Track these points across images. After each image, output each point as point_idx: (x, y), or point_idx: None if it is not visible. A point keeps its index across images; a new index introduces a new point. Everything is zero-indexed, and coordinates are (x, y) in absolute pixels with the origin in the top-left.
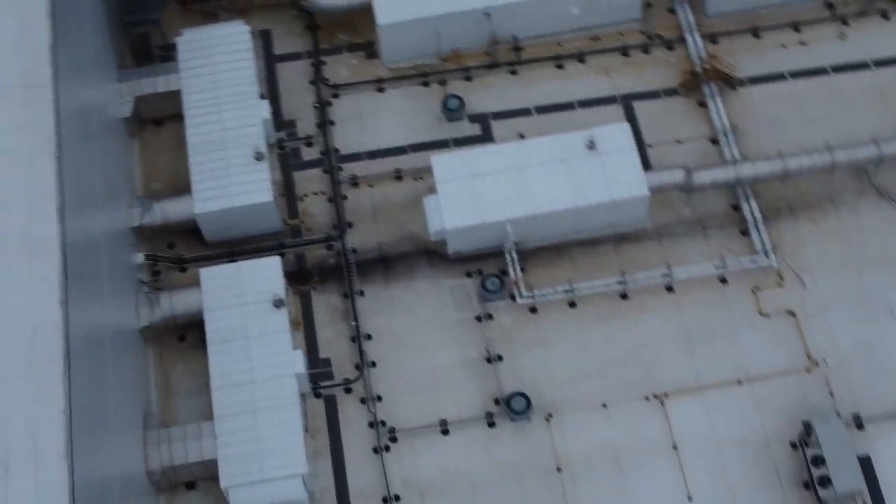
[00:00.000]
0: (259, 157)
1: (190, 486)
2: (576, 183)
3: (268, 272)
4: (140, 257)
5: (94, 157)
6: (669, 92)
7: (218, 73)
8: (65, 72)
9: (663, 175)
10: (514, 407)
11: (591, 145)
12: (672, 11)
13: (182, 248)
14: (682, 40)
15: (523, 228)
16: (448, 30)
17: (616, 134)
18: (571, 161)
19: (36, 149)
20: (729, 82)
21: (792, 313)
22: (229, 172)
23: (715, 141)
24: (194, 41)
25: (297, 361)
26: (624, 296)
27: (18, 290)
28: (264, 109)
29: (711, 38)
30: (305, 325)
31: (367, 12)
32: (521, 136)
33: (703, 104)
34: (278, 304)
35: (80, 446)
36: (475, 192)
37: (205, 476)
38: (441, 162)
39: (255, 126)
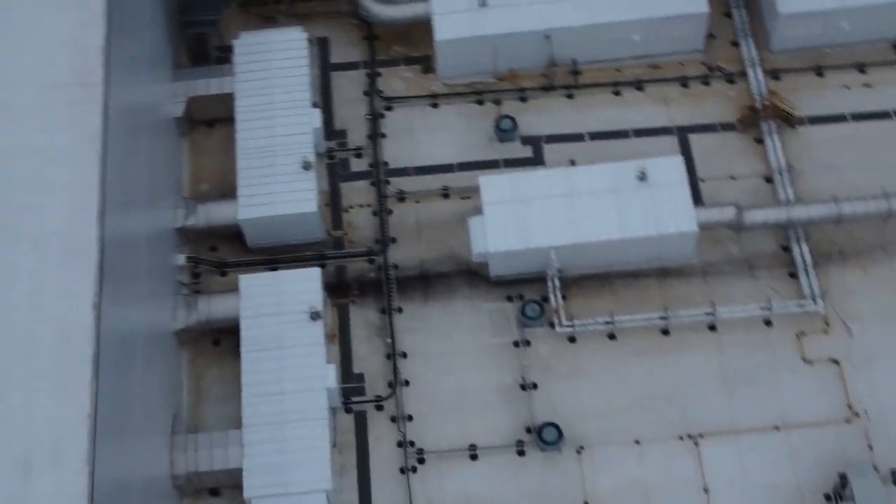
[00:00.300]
0: (307, 166)
1: (214, 492)
2: (624, 214)
3: (307, 283)
4: (181, 259)
5: (141, 156)
6: (727, 126)
7: (272, 78)
8: (116, 71)
9: (713, 212)
10: (545, 437)
11: (643, 177)
12: (735, 44)
13: (224, 252)
14: (744, 74)
15: (568, 256)
16: (506, 49)
17: (669, 167)
18: (621, 191)
19: (81, 148)
20: (788, 121)
21: (836, 361)
22: (276, 180)
23: (769, 179)
24: (251, 45)
25: (330, 376)
26: (665, 331)
27: (53, 290)
28: (316, 118)
29: (774, 75)
30: (341, 339)
31: (425, 26)
32: (573, 162)
33: (760, 141)
34: (315, 316)
35: (103, 450)
36: (521, 216)
37: (229, 484)
38: (489, 183)
39: (306, 135)
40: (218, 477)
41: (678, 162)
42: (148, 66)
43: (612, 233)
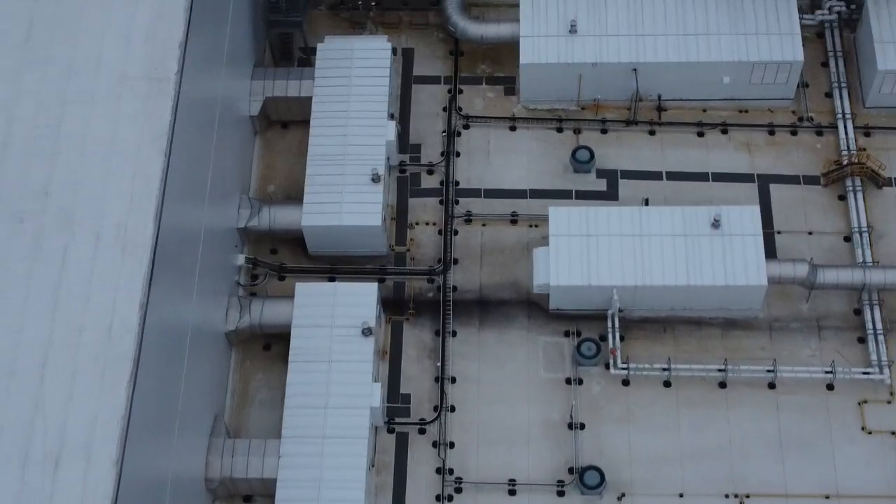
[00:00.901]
0: (376, 178)
1: (247, 499)
2: (693, 260)
3: (363, 298)
4: (241, 259)
5: (209, 152)
6: (810, 179)
7: (352, 86)
8: (193, 66)
9: (786, 267)
10: (586, 481)
11: (716, 224)
12: (828, 96)
13: (284, 256)
14: (834, 128)
15: (631, 297)
16: (592, 79)
17: (744, 216)
18: (693, 236)
19: (148, 143)
20: (875, 180)
21: None
22: (344, 189)
23: (848, 239)
24: (335, 50)
25: (375, 394)
26: (723, 384)
27: (104, 284)
28: (390, 131)
29: (865, 131)
30: (392, 357)
31: (513, 47)
32: (646, 201)
33: (843, 198)
34: (367, 332)
35: (134, 450)
36: (588, 252)
37: (263, 493)
38: (558, 214)
39: (378, 146)
40: (252, 484)
41: (754, 212)
42: (227, 62)
43: (679, 279)
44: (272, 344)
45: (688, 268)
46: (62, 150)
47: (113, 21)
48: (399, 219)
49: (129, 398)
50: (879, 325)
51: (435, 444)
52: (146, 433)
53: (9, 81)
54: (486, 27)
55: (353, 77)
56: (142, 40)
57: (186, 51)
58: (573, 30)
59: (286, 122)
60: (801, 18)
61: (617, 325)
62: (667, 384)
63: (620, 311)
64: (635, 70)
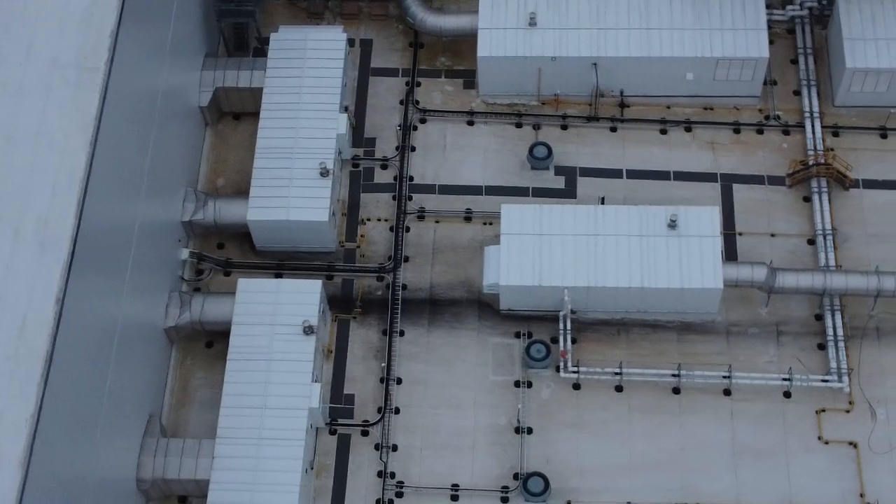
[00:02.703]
0: (324, 173)
1: (182, 500)
2: (648, 261)
3: (306, 295)
4: (185, 253)
5: (147, 144)
6: (775, 180)
7: (304, 77)
8: (128, 56)
9: (744, 270)
10: (530, 488)
11: (673, 224)
12: (797, 94)
13: (232, 251)
14: (801, 127)
15: (583, 299)
16: (552, 73)
17: (702, 217)
18: (649, 237)
19: (74, 135)
20: (842, 182)
21: (854, 444)
22: (291, 183)
23: (812, 242)
24: (288, 40)
25: (314, 395)
26: (676, 390)
27: (20, 281)
28: (342, 124)
29: (833, 131)
30: (337, 356)
31: (473, 41)
32: (602, 200)
33: (807, 199)
34: (309, 330)
35: (47, 450)
36: (540, 251)
37: (197, 494)
38: (511, 212)
39: (329, 140)
40: (186, 486)
41: (713, 213)
42: (171, 52)
43: (633, 280)
44: (215, 342)
45: (642, 269)
46: None
47: (48, 7)
48: (350, 214)
49: (39, 397)
50: (840, 332)
51: (377, 447)
52: (61, 433)
53: None
54: (445, 19)
55: (306, 68)
56: (75, 27)
57: (119, 40)
58: (532, 22)
59: (239, 113)
60: (770, 14)
61: (569, 327)
62: (619, 389)
63: (573, 312)
64: (595, 65)
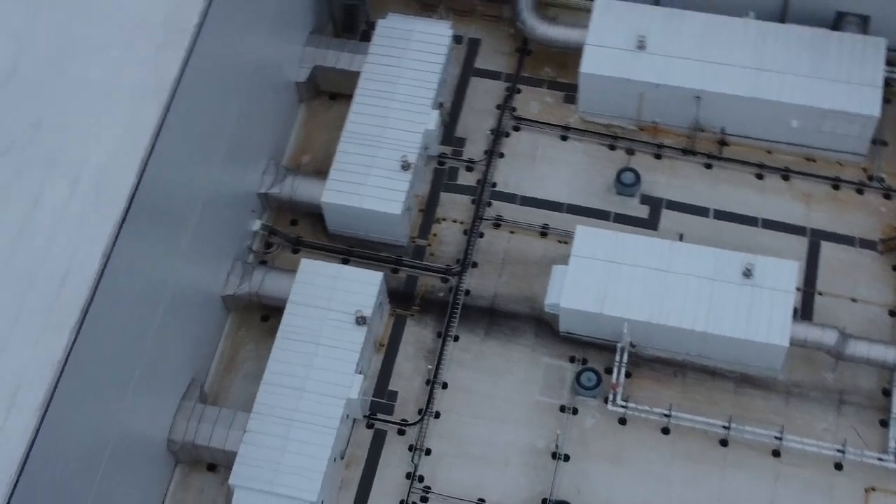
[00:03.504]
0: (405, 166)
1: (211, 467)
2: (715, 306)
3: (365, 286)
4: (257, 224)
5: (231, 111)
6: (866, 244)
7: (403, 67)
8: (221, 21)
9: (814, 331)
10: None
11: (748, 273)
12: None
13: (304, 230)
14: None
15: (643, 334)
16: (653, 100)
17: (780, 269)
18: (720, 282)
19: (149, 94)
20: None
21: None
22: (371, 172)
23: (894, 314)
24: (394, 28)
25: (355, 386)
26: (724, 442)
27: (71, 230)
28: (432, 120)
29: None
30: (388, 351)
31: (580, 55)
32: (681, 237)
33: (895, 268)
34: (361, 321)
35: (69, 399)
36: (607, 279)
37: (225, 464)
38: (585, 234)
39: (415, 134)
40: (214, 454)
41: (792, 267)
42: (272, 23)
43: (696, 323)
44: (270, 316)
45: (708, 313)
46: (62, 89)
47: None
48: (427, 211)
49: (69, 346)
50: None
51: (411, 448)
52: (89, 385)
53: (23, 14)
54: (555, 29)
55: (406, 59)
56: None
57: (213, 4)
58: (641, 45)
59: (335, 94)
60: (893, 72)
61: (625, 359)
62: (665, 431)
63: (633, 346)
64: (699, 98)
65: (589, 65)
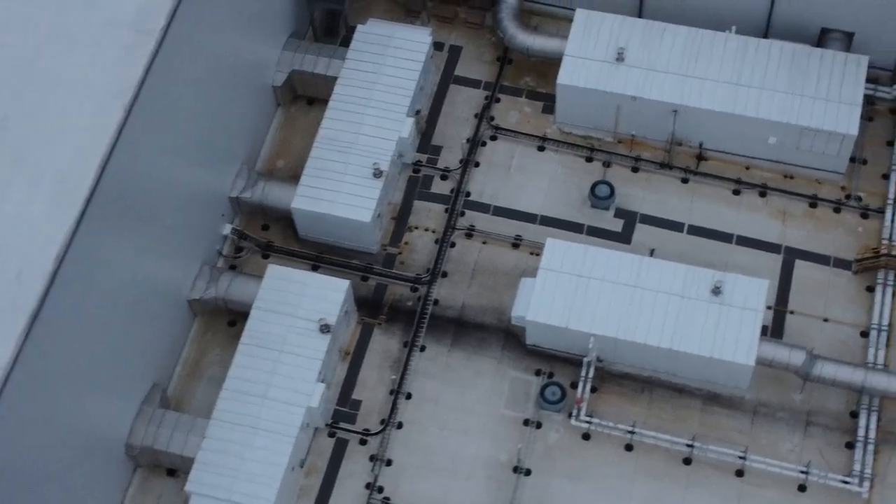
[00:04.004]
0: (377, 174)
1: (171, 472)
2: (682, 323)
3: (332, 293)
4: (227, 228)
5: (203, 113)
6: (841, 263)
7: (380, 74)
8: (191, 24)
9: (782, 351)
10: None
11: (717, 291)
12: (885, 177)
13: (275, 235)
14: (881, 213)
15: (610, 349)
16: (630, 113)
17: (750, 288)
18: (689, 299)
19: (113, 95)
20: None
21: None
22: (343, 179)
23: (866, 334)
24: (373, 34)
25: (316, 395)
26: (688, 460)
27: (27, 229)
28: (406, 128)
29: None
30: (353, 359)
31: (560, 65)
32: (651, 252)
33: (871, 289)
34: (325, 329)
35: (14, 402)
36: (574, 293)
37: (184, 469)
38: (555, 247)
39: (389, 141)
40: (174, 459)
41: (761, 286)
42: (249, 27)
43: (663, 340)
44: (238, 321)
45: (675, 331)
46: (30, 87)
47: None
48: (400, 219)
49: (17, 348)
50: (872, 434)
51: (372, 458)
52: (41, 386)
53: None
54: (535, 38)
55: (384, 66)
56: None
57: (183, 6)
58: (620, 58)
59: (313, 99)
60: (875, 90)
61: (591, 374)
62: (629, 447)
63: (600, 361)
64: (676, 112)
65: (566, 76)
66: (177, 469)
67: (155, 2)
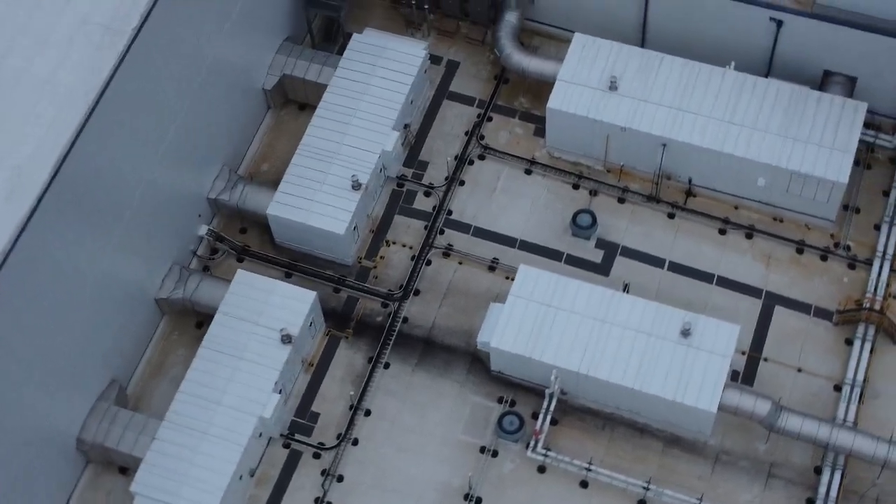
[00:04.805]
0: (356, 186)
1: (123, 470)
2: (648, 363)
3: (297, 304)
4: (203, 229)
5: (180, 112)
6: (822, 313)
7: (370, 85)
8: (168, 24)
9: (747, 399)
10: None
11: (686, 332)
12: (877, 228)
13: (252, 239)
14: (869, 264)
15: (572, 383)
16: (620, 143)
17: (720, 332)
18: (657, 338)
19: (80, 93)
20: (891, 335)
21: None
22: (321, 188)
23: (839, 388)
24: (368, 44)
25: (269, 405)
26: (642, 503)
27: None
28: (390, 141)
29: None
30: (316, 371)
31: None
32: (625, 287)
33: (849, 342)
34: (286, 339)
35: None
36: (542, 323)
37: (136, 468)
38: (527, 274)
39: (371, 154)
40: (124, 458)
41: (732, 331)
42: (237, 28)
43: (626, 379)
44: (206, 323)
45: (639, 370)
46: None
47: None
48: (378, 233)
49: None
50: (835, 493)
51: (324, 473)
52: None
53: None
54: (530, 60)
55: (375, 77)
56: None
57: (158, 7)
58: (613, 87)
59: (304, 104)
60: (876, 137)
61: (552, 407)
62: (584, 484)
63: (564, 393)
64: (664, 145)
65: (557, 101)
66: (128, 468)
67: (130, 2)
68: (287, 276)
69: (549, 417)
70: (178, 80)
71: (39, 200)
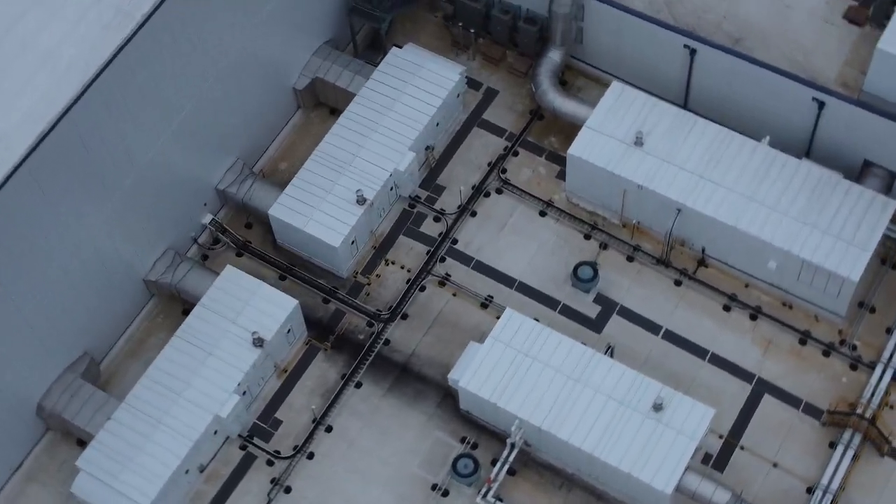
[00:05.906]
0: (360, 201)
1: (81, 443)
2: (612, 431)
3: (276, 309)
4: (207, 218)
5: (191, 100)
6: (811, 410)
7: (399, 100)
8: (184, 10)
9: (706, 487)
10: None
11: (659, 407)
12: (889, 332)
13: (255, 235)
14: (872, 368)
15: (534, 436)
16: (636, 200)
17: (693, 412)
18: (627, 408)
19: (79, 69)
20: (878, 446)
21: None
22: (325, 197)
23: (811, 491)
24: (405, 59)
25: (227, 406)
26: None
27: None
28: (405, 161)
29: None
30: (288, 378)
31: None
32: (608, 350)
33: (832, 446)
34: (257, 343)
35: None
36: (515, 370)
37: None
38: (512, 318)
39: (382, 171)
40: (80, 432)
41: (706, 414)
42: (273, 26)
43: (586, 443)
44: (190, 311)
45: (602, 436)
46: (3, 50)
47: None
48: (379, 250)
49: None
50: None
51: (273, 482)
52: None
53: None
54: (564, 101)
55: (404, 94)
56: None
57: None
58: (639, 142)
59: (335, 109)
60: None
61: (512, 457)
62: None
63: (528, 445)
64: (679, 210)
65: (579, 148)
66: (86, 442)
67: None
68: (281, 279)
69: (506, 467)
70: (192, 68)
71: (15, 169)
